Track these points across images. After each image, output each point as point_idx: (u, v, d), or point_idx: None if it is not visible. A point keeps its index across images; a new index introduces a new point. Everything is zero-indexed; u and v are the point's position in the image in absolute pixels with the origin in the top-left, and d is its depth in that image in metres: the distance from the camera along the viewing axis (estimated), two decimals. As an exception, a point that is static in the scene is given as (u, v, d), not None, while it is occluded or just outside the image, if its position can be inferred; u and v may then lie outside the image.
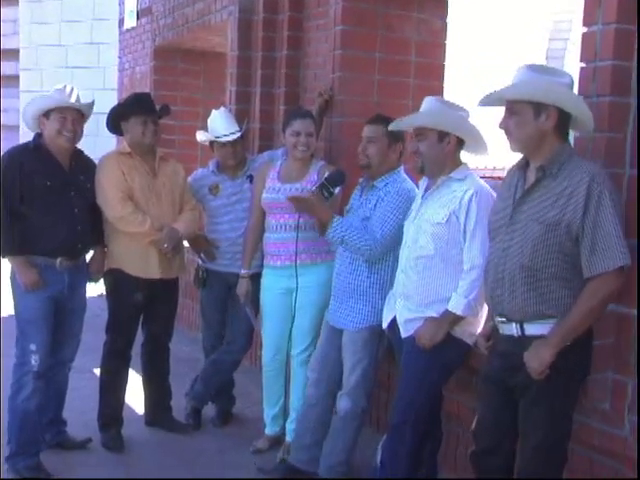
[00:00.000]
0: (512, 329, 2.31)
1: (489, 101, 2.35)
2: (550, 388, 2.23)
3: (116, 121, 3.56)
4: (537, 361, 2.20)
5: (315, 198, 3.02)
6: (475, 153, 2.89)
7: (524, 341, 2.27)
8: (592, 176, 2.15)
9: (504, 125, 2.30)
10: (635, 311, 2.29)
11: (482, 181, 2.84)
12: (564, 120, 2.25)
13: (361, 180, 3.31)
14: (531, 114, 2.23)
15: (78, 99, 3.31)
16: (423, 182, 2.94)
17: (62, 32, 11.91)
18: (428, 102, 2.82)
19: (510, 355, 2.32)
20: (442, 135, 2.76)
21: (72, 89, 3.31)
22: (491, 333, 2.49)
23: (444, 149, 2.78)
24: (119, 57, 7.32)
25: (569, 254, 2.20)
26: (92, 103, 3.40)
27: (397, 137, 3.08)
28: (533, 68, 2.28)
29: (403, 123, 2.87)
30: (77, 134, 3.30)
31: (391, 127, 2.96)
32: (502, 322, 2.36)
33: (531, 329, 2.27)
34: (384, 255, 3.06)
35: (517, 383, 2.30)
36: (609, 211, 2.12)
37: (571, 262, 2.20)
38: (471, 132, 2.80)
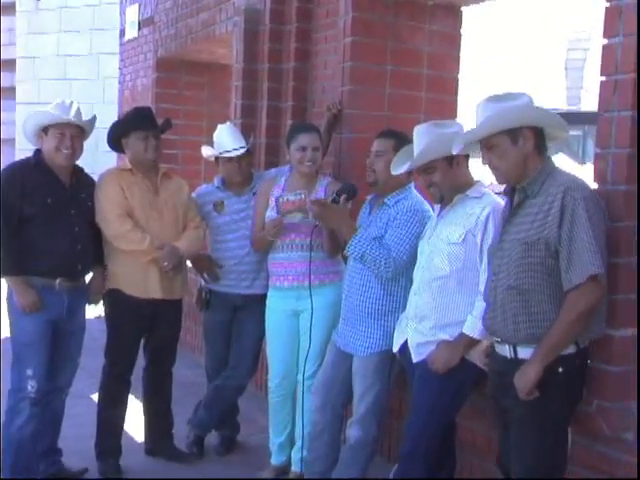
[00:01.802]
0: (505, 350, 2.40)
1: (466, 146, 2.48)
2: (538, 411, 2.27)
3: (116, 138, 3.61)
4: (523, 380, 2.26)
5: (342, 207, 3.08)
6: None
7: (517, 363, 2.34)
8: (566, 189, 2.24)
9: (487, 161, 2.40)
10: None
11: (499, 198, 2.87)
12: (540, 137, 2.37)
13: (369, 197, 3.35)
14: (508, 142, 2.34)
15: (78, 114, 3.35)
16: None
17: (60, 43, 12.04)
18: (421, 133, 2.85)
19: (503, 375, 2.39)
20: (450, 159, 2.82)
21: (72, 103, 3.36)
22: (490, 351, 2.55)
23: (456, 172, 2.84)
24: (120, 69, 7.41)
25: (553, 273, 2.26)
26: (94, 119, 3.45)
27: None
28: (493, 99, 2.40)
29: (410, 166, 2.88)
30: (76, 151, 3.35)
31: (394, 171, 2.99)
32: (497, 342, 2.45)
33: (524, 352, 2.34)
34: (397, 276, 3.09)
35: (508, 404, 2.37)
36: (583, 222, 2.19)
37: (556, 279, 2.26)
38: (473, 146, 2.86)
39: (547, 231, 2.24)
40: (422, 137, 2.84)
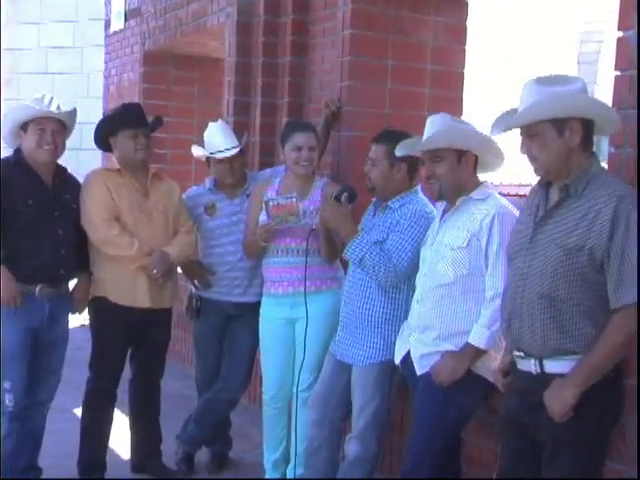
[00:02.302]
0: (530, 365, 2.32)
1: (503, 129, 2.39)
2: (576, 433, 2.23)
3: (104, 136, 3.63)
4: (559, 403, 2.20)
5: (343, 206, 3.13)
6: (491, 169, 2.96)
7: (543, 379, 2.28)
8: (620, 197, 2.15)
9: (526, 150, 2.33)
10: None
11: (505, 200, 2.89)
12: (589, 131, 2.29)
13: (374, 200, 3.37)
14: (554, 132, 2.26)
15: (59, 109, 3.36)
16: (441, 204, 3.00)
17: (41, 34, 12.03)
18: (437, 120, 2.88)
19: (528, 393, 2.33)
20: (460, 154, 2.83)
21: (52, 98, 3.37)
22: (509, 368, 2.51)
23: (463, 169, 2.85)
24: (105, 62, 7.43)
25: (593, 283, 2.21)
26: (74, 112, 3.46)
27: (400, 156, 3.13)
28: (542, 81, 2.31)
29: (417, 148, 2.89)
30: (58, 147, 3.37)
31: (398, 152, 3.02)
32: (520, 357, 2.38)
33: (551, 366, 2.28)
34: (399, 283, 3.12)
35: (537, 425, 2.31)
36: (636, 237, 2.13)
37: (596, 292, 2.21)
38: (491, 147, 2.87)
39: (593, 240, 2.16)
40: (437, 122, 2.85)
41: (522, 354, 2.36)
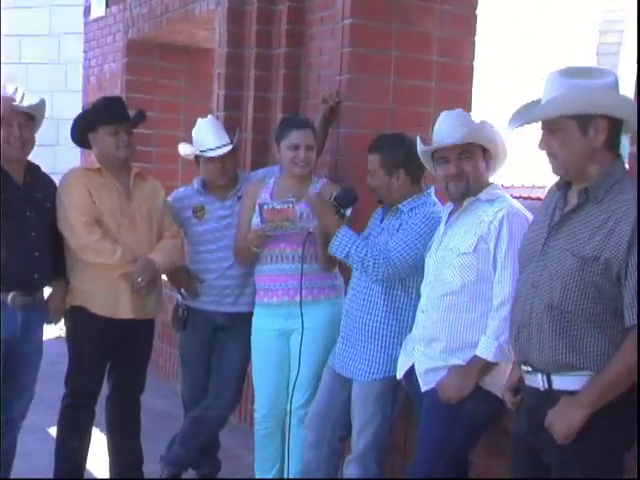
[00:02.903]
0: (538, 381, 2.33)
1: (522, 123, 2.39)
2: (584, 455, 2.22)
3: (82, 132, 3.65)
4: (563, 423, 2.20)
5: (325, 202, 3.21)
6: (493, 170, 3.02)
7: (551, 396, 2.29)
8: None
9: (546, 146, 2.33)
10: None
11: (517, 202, 2.93)
12: (615, 131, 2.28)
13: (383, 205, 3.40)
14: (576, 130, 2.26)
15: (24, 100, 3.37)
16: (448, 207, 3.04)
17: (13, 20, 12.03)
18: (454, 117, 2.93)
19: (536, 410, 2.34)
20: (483, 151, 2.90)
21: (16, 89, 3.38)
22: (519, 385, 2.52)
23: (484, 168, 2.92)
24: (84, 52, 7.44)
25: (607, 296, 2.21)
26: (42, 103, 3.47)
27: (395, 164, 3.20)
28: (568, 73, 2.31)
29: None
30: (27, 142, 3.38)
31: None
32: (527, 372, 2.39)
33: (559, 382, 2.29)
34: (406, 292, 3.15)
35: (543, 447, 2.32)
36: None
37: (610, 306, 2.21)
38: (503, 146, 2.92)
39: (610, 251, 2.16)
40: (454, 119, 2.91)
41: (529, 369, 2.37)
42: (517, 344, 2.42)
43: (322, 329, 3.49)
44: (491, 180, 3.01)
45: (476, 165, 2.89)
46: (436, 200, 3.28)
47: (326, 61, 4.27)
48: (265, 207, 3.41)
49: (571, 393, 2.25)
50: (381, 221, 3.32)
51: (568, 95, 2.26)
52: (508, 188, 10.35)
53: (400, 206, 3.23)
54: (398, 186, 3.24)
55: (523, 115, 2.41)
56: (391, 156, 3.19)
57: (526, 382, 2.42)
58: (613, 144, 2.29)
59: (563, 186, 2.40)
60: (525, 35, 13.55)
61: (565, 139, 2.27)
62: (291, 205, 3.38)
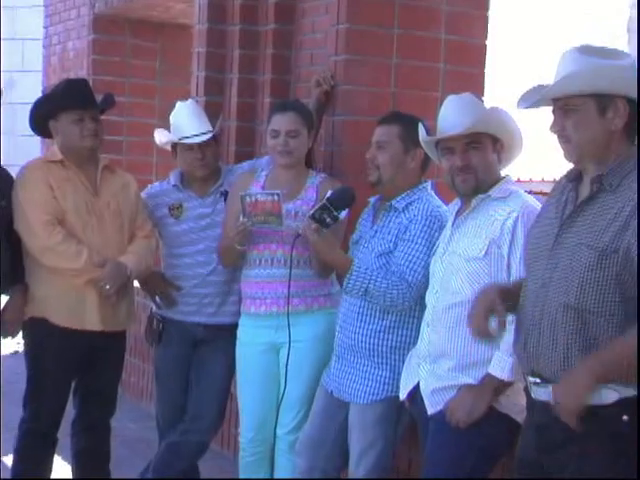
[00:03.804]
0: (548, 393, 2.34)
1: (534, 102, 2.42)
2: (611, 471, 2.24)
3: (42, 119, 3.64)
4: (570, 394, 2.21)
5: (315, 233, 3.13)
6: (507, 162, 3.03)
7: None
8: None
9: (558, 128, 2.36)
10: None
11: (532, 199, 2.93)
12: (634, 115, 2.32)
13: (372, 201, 3.40)
14: (594, 109, 2.30)
15: None
16: (454, 205, 3.05)
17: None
18: (461, 102, 2.94)
19: (544, 428, 2.36)
20: (494, 142, 2.91)
21: None
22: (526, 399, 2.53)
23: (495, 160, 2.93)
24: (44, 27, 7.43)
25: (629, 293, 2.23)
26: None
27: (415, 140, 3.16)
28: (587, 50, 2.35)
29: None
30: None
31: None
32: (535, 383, 2.41)
33: None
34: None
35: (556, 467, 2.33)
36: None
37: (633, 302, 2.22)
38: (519, 135, 2.94)
39: (630, 239, 2.19)
40: (464, 102, 2.92)
41: (538, 380, 2.39)
42: (524, 352, 2.43)
43: (315, 343, 3.51)
44: (504, 173, 3.02)
45: (485, 157, 2.90)
46: (433, 194, 3.28)
47: (320, 39, 4.27)
48: (247, 199, 3.42)
49: (587, 409, 2.23)
50: (372, 222, 3.33)
51: (587, 71, 2.29)
52: (525, 183, 10.36)
53: (394, 203, 3.24)
54: (411, 168, 3.25)
55: (533, 95, 2.43)
56: (413, 130, 3.13)
57: (533, 395, 2.43)
58: (631, 130, 2.33)
59: (575, 178, 2.43)
60: (547, 10, 13.55)
61: (581, 120, 2.31)
62: (276, 197, 3.38)
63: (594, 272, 2.25)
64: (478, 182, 2.89)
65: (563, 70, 2.34)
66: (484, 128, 2.89)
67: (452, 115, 2.93)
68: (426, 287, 3.07)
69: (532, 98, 2.43)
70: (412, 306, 3.15)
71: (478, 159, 2.89)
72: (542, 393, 2.38)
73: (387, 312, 3.18)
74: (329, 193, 3.26)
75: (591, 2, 14.06)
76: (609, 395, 2.25)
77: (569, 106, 2.33)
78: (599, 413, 2.25)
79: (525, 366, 2.46)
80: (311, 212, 3.22)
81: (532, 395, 2.44)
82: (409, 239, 3.15)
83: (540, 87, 2.43)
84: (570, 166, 2.47)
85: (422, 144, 3.08)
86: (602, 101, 2.29)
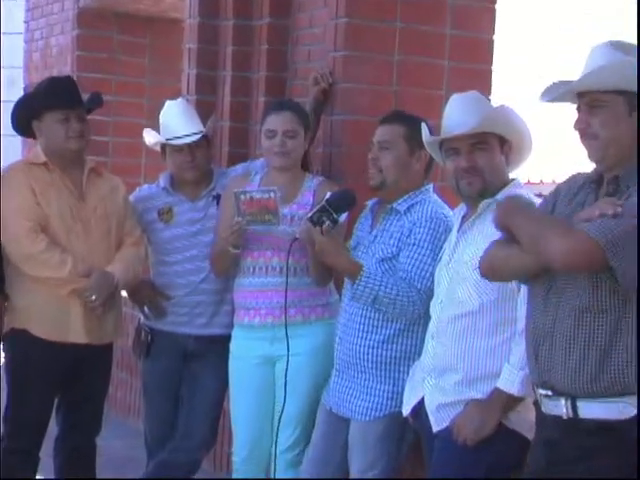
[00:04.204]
0: (560, 407, 2.35)
1: (557, 96, 2.43)
2: None
3: (25, 119, 3.65)
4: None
5: (320, 234, 3.13)
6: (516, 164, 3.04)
7: (576, 426, 2.31)
8: None
9: (583, 125, 2.37)
10: None
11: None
12: None
13: (369, 204, 3.40)
14: (622, 107, 2.32)
15: None
16: (459, 210, 3.05)
17: None
18: (466, 101, 2.94)
19: (555, 444, 2.36)
20: (502, 142, 2.91)
21: None
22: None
23: (503, 162, 2.93)
24: (25, 22, 7.43)
25: None
26: None
27: (421, 141, 3.16)
28: (618, 46, 2.37)
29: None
30: None
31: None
32: (546, 396, 2.41)
33: (588, 410, 2.30)
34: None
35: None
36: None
37: None
38: (529, 135, 2.94)
39: None
40: (470, 101, 2.93)
41: (550, 392, 2.39)
42: (535, 363, 2.43)
43: (314, 356, 3.50)
44: (512, 176, 3.03)
45: (492, 158, 2.90)
46: (436, 197, 3.29)
47: (318, 34, 4.27)
48: (242, 197, 3.43)
49: (602, 424, 2.26)
50: (371, 226, 3.33)
51: (620, 66, 2.30)
52: (535, 185, 10.36)
53: (395, 205, 3.24)
54: (416, 170, 3.26)
55: (558, 88, 2.44)
56: (418, 130, 3.11)
57: (543, 409, 2.44)
58: None
59: (595, 180, 2.43)
60: (547, 10, 13.53)
61: (609, 117, 2.33)
62: (273, 195, 3.39)
63: (607, 271, 2.25)
64: (485, 185, 2.89)
65: (592, 64, 2.35)
66: (491, 128, 2.89)
67: (457, 114, 2.93)
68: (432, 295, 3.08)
69: (556, 91, 2.44)
70: (420, 314, 3.15)
71: (484, 161, 2.89)
72: (553, 407, 2.38)
73: (390, 321, 3.18)
74: (328, 195, 3.27)
75: (591, 2, 14.11)
76: (626, 410, 2.26)
77: (596, 102, 2.35)
78: (616, 428, 2.27)
79: (536, 378, 2.46)
80: (309, 214, 3.23)
81: (542, 409, 2.44)
82: (414, 243, 3.15)
83: (565, 82, 2.44)
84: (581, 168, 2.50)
85: (425, 145, 3.08)
86: (632, 100, 2.31)
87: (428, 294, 3.09)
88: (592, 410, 2.31)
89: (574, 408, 2.33)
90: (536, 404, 2.50)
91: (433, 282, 3.07)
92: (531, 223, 2.36)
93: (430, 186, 3.33)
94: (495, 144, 2.91)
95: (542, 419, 2.47)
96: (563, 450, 2.34)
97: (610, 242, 2.18)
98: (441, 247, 3.10)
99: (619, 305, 2.28)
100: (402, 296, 3.10)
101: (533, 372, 2.49)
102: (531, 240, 2.33)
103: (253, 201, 3.42)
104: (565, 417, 2.34)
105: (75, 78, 4.59)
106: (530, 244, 2.33)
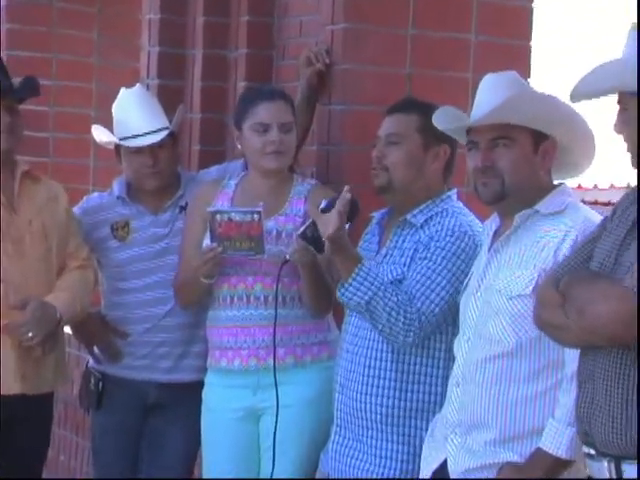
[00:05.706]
0: (603, 469, 2.37)
1: (590, 95, 2.47)
2: None
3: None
4: None
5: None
6: (574, 172, 3.07)
7: None
8: None
9: (624, 128, 2.41)
10: None
11: (595, 215, 2.93)
12: None
13: (376, 216, 3.42)
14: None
15: None
16: (490, 223, 3.05)
17: None
18: (497, 83, 2.94)
19: None
20: (538, 139, 2.91)
21: None
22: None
23: (538, 164, 2.92)
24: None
25: None
26: None
27: (437, 134, 3.18)
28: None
29: (478, 118, 2.81)
30: None
31: (439, 123, 2.98)
32: (589, 455, 2.43)
33: (632, 472, 2.31)
34: (430, 351, 3.18)
35: None
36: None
37: None
38: (585, 132, 2.95)
39: None
40: (501, 84, 2.92)
41: (592, 451, 2.41)
42: (577, 414, 2.46)
43: (308, 407, 3.52)
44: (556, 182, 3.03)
45: (517, 157, 2.89)
46: (461, 206, 3.31)
47: (311, 4, 4.29)
48: (218, 217, 3.43)
49: None
50: (379, 244, 3.35)
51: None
52: (589, 191, 10.34)
53: (409, 217, 3.25)
54: (432, 170, 3.27)
55: (593, 84, 2.46)
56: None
57: (587, 470, 2.46)
58: None
59: None
60: (546, 9, 13.75)
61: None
62: (256, 217, 3.39)
63: None
64: (503, 188, 2.89)
65: (630, 53, 2.38)
66: (514, 117, 2.88)
67: (482, 99, 2.94)
68: (438, 325, 3.10)
69: (590, 89, 2.46)
70: (435, 356, 3.16)
71: (507, 160, 2.89)
72: (596, 469, 2.41)
73: (402, 363, 3.19)
74: (323, 203, 3.26)
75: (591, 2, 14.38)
76: None
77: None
78: None
79: (579, 432, 2.49)
80: (302, 229, 3.25)
81: (587, 470, 2.48)
82: (426, 257, 3.17)
83: (602, 72, 2.45)
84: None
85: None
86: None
87: (430, 321, 3.10)
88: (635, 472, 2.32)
89: (618, 470, 2.34)
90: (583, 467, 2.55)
91: (439, 309, 3.10)
92: None
93: (453, 192, 3.35)
94: (524, 140, 2.90)
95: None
96: None
97: None
98: (463, 268, 3.12)
99: None
100: (398, 309, 3.09)
101: (577, 424, 2.51)
102: None
103: (232, 223, 3.42)
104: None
105: (4, 57, 4.61)
106: None
